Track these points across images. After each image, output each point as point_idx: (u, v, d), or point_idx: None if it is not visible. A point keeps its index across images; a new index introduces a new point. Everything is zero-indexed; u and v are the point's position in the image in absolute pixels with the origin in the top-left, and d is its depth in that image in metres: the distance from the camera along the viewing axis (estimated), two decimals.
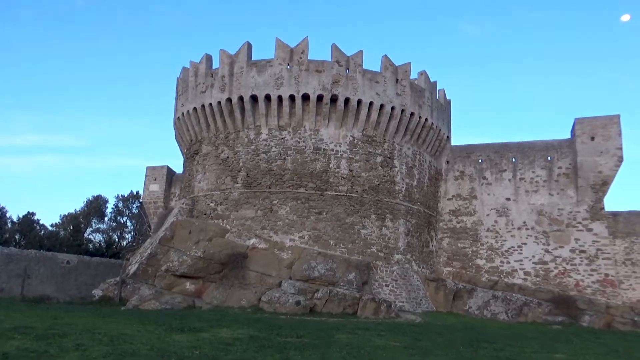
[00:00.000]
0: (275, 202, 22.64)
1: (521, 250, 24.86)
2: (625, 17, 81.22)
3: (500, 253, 25.19)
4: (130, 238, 47.64)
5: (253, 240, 22.16)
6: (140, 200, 46.83)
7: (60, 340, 7.62)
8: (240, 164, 23.65)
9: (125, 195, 45.90)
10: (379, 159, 23.82)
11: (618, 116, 23.82)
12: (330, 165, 22.99)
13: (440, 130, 26.47)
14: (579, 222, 24.05)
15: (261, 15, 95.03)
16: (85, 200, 44.45)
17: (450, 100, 28.78)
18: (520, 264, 24.68)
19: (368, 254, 22.47)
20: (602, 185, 23.76)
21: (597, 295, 22.90)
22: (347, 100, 23.12)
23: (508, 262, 24.92)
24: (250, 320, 13.88)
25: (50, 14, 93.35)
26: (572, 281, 23.54)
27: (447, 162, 27.45)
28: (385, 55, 24.23)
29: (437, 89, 27.09)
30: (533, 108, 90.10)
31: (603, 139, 23.72)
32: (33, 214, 38.96)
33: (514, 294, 23.38)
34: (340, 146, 23.27)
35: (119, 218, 46.44)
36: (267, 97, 23.26)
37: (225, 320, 12.97)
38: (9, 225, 37.47)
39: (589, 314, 22.13)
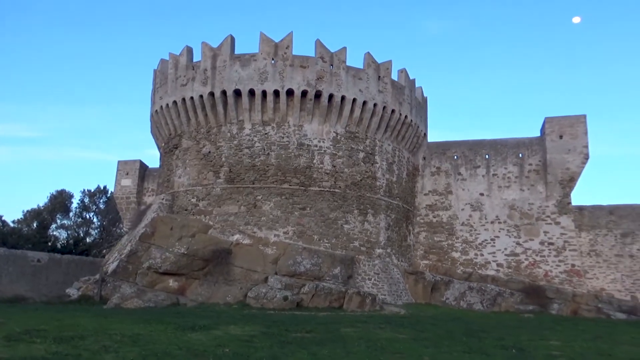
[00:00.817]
0: (259, 197, 22.64)
1: (494, 243, 26.01)
2: (576, 20, 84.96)
3: (474, 246, 26.26)
4: (96, 234, 46.17)
5: (237, 236, 22.10)
6: (108, 196, 45.47)
7: (82, 342, 7.50)
8: (223, 159, 23.45)
9: (92, 190, 44.33)
10: (361, 155, 24.23)
11: (584, 116, 25.28)
12: (314, 161, 23.19)
13: (418, 127, 27.17)
14: (548, 216, 25.41)
15: (239, 9, 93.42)
16: (49, 195, 42.64)
17: (427, 97, 29.55)
18: (493, 256, 25.83)
19: (351, 249, 22.90)
20: (569, 181, 25.19)
21: (565, 284, 24.33)
22: (330, 97, 23.34)
23: (482, 255, 26.01)
24: (249, 316, 13.98)
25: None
26: (542, 272, 24.89)
27: (424, 158, 28.23)
28: (368, 53, 24.60)
29: (415, 87, 27.74)
30: (503, 107, 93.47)
31: (571, 137, 25.11)
32: None
33: (488, 285, 24.46)
34: (323, 142, 23.50)
35: (84, 214, 44.84)
36: (251, 92, 23.14)
37: (224, 317, 13.02)
38: None
39: (557, 302, 23.49)
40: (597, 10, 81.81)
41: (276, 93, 23.05)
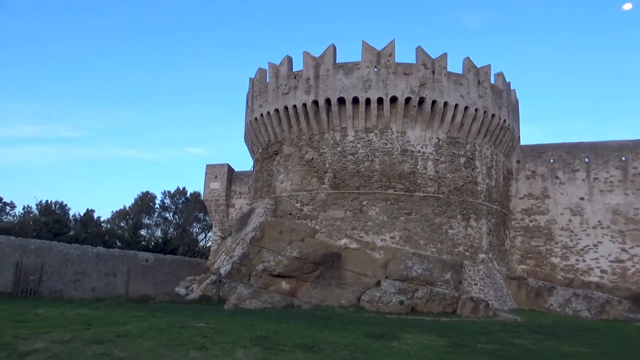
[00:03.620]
0: (364, 202, 23.16)
1: (597, 248, 25.43)
2: (627, 6, 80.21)
3: (575, 251, 25.77)
4: (172, 233, 48.34)
5: (344, 241, 22.71)
6: (187, 196, 47.53)
7: (326, 352, 8.17)
8: (327, 165, 24.11)
9: (172, 192, 46.47)
10: (462, 160, 24.29)
11: None
12: (418, 167, 23.47)
13: (514, 130, 26.91)
14: None
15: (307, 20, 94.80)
16: (136, 196, 45.04)
17: (518, 100, 29.15)
18: (597, 262, 25.27)
19: (456, 254, 23.06)
20: None
21: None
22: (433, 103, 23.52)
23: (584, 261, 25.51)
24: (394, 321, 14.46)
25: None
26: None
27: (518, 161, 27.91)
28: (468, 58, 24.59)
29: (510, 90, 27.45)
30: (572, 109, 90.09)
31: None
32: (92, 211, 39.59)
33: (594, 292, 23.93)
34: (426, 148, 23.73)
35: (164, 214, 47.08)
36: (354, 100, 23.66)
37: (377, 323, 13.54)
38: (73, 222, 38.13)
39: None
40: None
41: (379, 100, 23.46)
